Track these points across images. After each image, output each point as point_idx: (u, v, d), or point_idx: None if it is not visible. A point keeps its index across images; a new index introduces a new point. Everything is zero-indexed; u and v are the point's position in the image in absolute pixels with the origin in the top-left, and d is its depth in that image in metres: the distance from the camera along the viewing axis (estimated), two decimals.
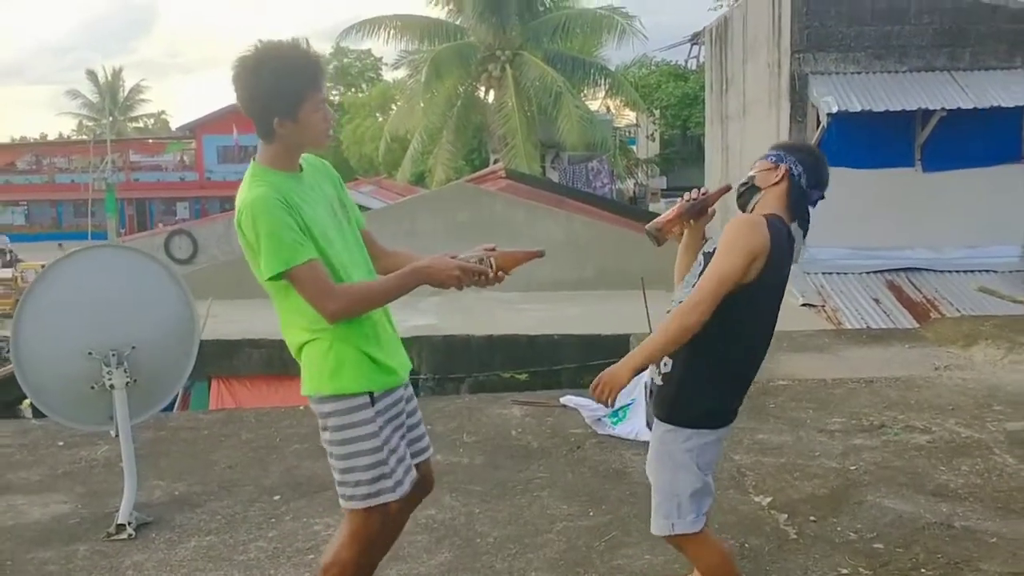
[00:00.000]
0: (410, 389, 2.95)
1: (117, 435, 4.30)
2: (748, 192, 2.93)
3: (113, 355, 4.18)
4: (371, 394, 2.71)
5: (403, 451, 2.81)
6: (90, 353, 4.16)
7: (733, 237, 2.74)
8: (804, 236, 2.94)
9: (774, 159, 2.90)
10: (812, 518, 4.13)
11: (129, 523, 4.16)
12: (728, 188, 3.06)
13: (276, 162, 2.69)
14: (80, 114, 62.12)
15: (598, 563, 3.73)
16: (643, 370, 2.81)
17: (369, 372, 2.71)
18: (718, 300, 2.71)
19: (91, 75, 61.25)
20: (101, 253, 4.79)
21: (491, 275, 2.76)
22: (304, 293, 2.60)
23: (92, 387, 4.19)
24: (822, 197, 2.92)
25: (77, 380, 4.20)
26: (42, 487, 4.86)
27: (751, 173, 2.94)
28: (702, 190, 3.03)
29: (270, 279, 2.59)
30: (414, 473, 2.84)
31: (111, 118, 55.38)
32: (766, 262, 2.73)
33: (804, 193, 2.87)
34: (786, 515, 4.16)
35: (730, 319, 2.75)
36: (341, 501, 2.79)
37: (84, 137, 56.49)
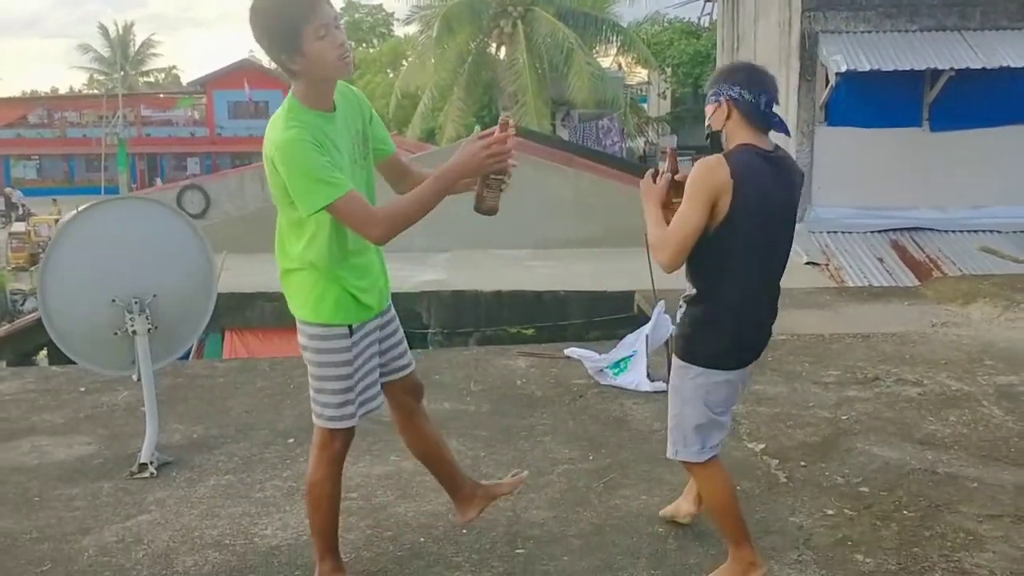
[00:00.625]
0: (390, 312, 3.18)
1: (139, 379, 4.51)
2: (713, 138, 3.01)
3: (136, 302, 4.37)
4: (350, 326, 2.93)
5: (375, 376, 3.07)
6: (113, 300, 4.35)
7: (690, 183, 2.87)
8: (788, 133, 3.05)
9: (714, 98, 2.96)
10: (802, 463, 4.32)
11: (151, 462, 4.38)
12: (673, 150, 3.17)
13: (307, 99, 2.75)
14: (91, 68, 62.01)
15: (596, 503, 3.93)
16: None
17: (349, 307, 2.93)
18: (685, 248, 2.87)
19: (102, 29, 60.99)
20: (124, 205, 4.95)
21: (509, 125, 2.79)
22: (348, 222, 2.74)
23: (115, 333, 4.39)
24: (774, 99, 2.93)
25: (101, 326, 4.39)
26: (66, 429, 5.08)
27: (707, 122, 3.03)
28: (658, 170, 3.11)
29: (312, 214, 2.71)
30: (378, 390, 3.09)
31: (122, 73, 55.27)
32: (734, 195, 2.81)
33: (754, 106, 2.90)
34: (777, 460, 4.35)
35: (718, 256, 2.88)
36: (313, 418, 3.06)
37: (95, 91, 56.51)
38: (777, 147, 3.01)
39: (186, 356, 7.40)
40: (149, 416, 4.49)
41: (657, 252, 2.93)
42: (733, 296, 2.96)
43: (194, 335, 4.85)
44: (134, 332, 4.39)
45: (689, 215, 2.84)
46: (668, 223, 2.96)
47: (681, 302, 3.09)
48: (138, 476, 4.32)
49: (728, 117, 2.94)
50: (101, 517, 3.89)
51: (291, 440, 4.78)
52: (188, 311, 4.67)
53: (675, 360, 3.11)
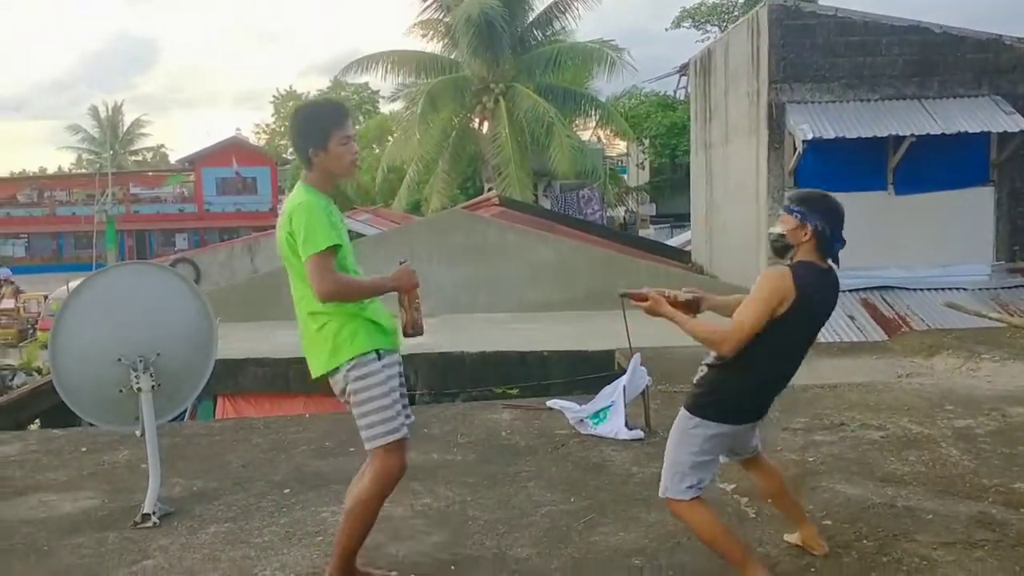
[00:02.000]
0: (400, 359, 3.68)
1: (142, 434, 4.76)
2: (781, 244, 3.50)
3: (140, 361, 4.65)
4: (377, 351, 3.46)
5: (404, 400, 3.59)
6: (120, 359, 4.63)
7: (761, 289, 3.35)
8: (838, 264, 3.53)
9: (799, 217, 3.42)
10: (770, 500, 4.58)
11: (154, 512, 4.60)
12: (692, 298, 3.67)
13: (316, 184, 3.51)
14: (80, 148, 62.71)
15: (577, 540, 4.19)
16: (679, 326, 3.49)
17: (375, 334, 3.48)
18: (748, 340, 3.32)
19: (92, 110, 61.85)
20: (130, 269, 5.26)
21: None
22: (312, 271, 3.34)
23: (120, 391, 4.66)
24: (843, 242, 3.45)
25: (107, 384, 4.67)
26: (70, 486, 5.30)
27: (779, 230, 3.49)
28: (668, 295, 3.63)
29: (317, 252, 3.33)
30: (408, 414, 3.58)
31: (111, 152, 55.97)
32: (794, 302, 3.31)
33: (830, 242, 3.43)
34: (747, 498, 4.62)
35: (764, 341, 3.35)
36: (367, 445, 3.48)
37: (84, 170, 57.07)
38: (830, 266, 3.49)
39: (180, 419, 7.63)
40: (152, 468, 4.73)
41: (722, 345, 3.37)
42: (767, 372, 3.47)
43: (195, 392, 5.11)
44: (139, 389, 4.66)
45: (758, 314, 3.32)
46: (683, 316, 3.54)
47: (703, 367, 3.52)
48: (141, 526, 4.54)
49: (806, 239, 3.43)
50: (108, 563, 4.11)
51: (287, 491, 5.02)
52: (189, 369, 4.94)
53: (683, 412, 3.53)
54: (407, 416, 3.57)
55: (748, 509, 4.49)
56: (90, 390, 4.72)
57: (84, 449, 6.03)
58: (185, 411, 8.14)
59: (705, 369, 3.52)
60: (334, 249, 3.36)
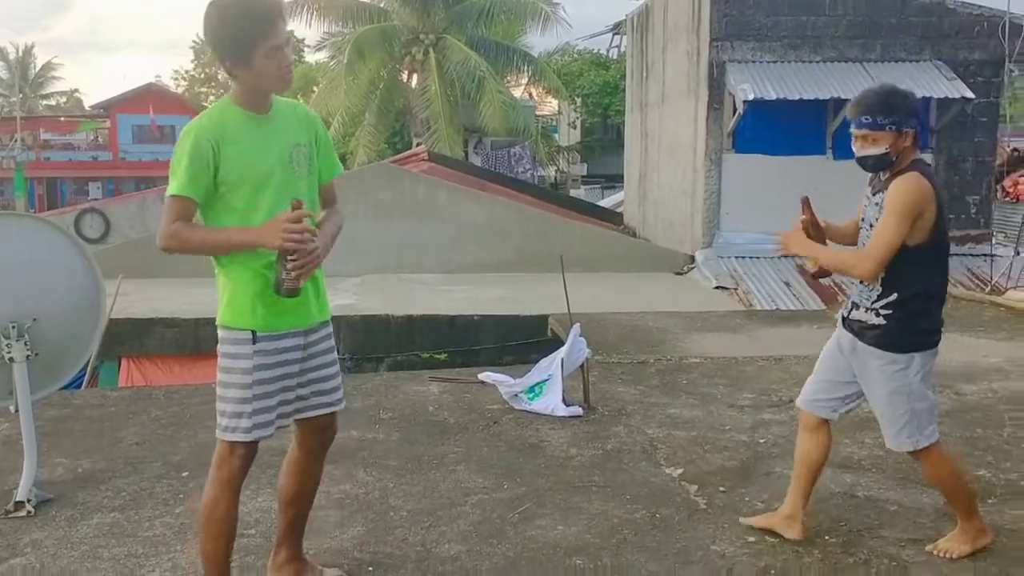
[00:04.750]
0: (319, 335, 3.03)
1: (17, 410, 4.16)
2: (882, 162, 3.24)
3: (13, 327, 4.04)
4: (253, 332, 2.85)
5: (274, 400, 2.92)
6: None
7: (903, 202, 3.16)
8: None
9: (893, 127, 3.19)
10: (721, 488, 4.21)
11: (28, 500, 4.03)
12: (806, 200, 3.50)
13: (239, 99, 2.85)
14: None
15: (511, 534, 3.75)
16: (816, 264, 3.47)
17: (255, 312, 2.85)
18: (890, 258, 3.18)
19: (0, 52, 58.73)
20: (2, 222, 4.59)
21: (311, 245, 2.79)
22: (161, 218, 2.79)
23: None
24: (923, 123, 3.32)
25: None
26: None
27: (879, 150, 3.21)
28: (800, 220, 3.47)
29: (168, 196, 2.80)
30: (272, 417, 2.93)
31: (21, 95, 53.30)
32: (936, 205, 3.20)
33: (924, 133, 3.23)
34: (696, 486, 4.24)
35: (925, 258, 3.22)
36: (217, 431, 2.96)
37: None
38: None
39: (77, 385, 6.97)
40: (27, 451, 4.13)
41: (859, 266, 3.25)
42: (940, 288, 3.38)
43: (79, 362, 4.51)
44: (11, 359, 4.05)
45: (898, 229, 3.16)
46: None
47: (870, 308, 3.32)
48: (13, 515, 3.96)
49: (908, 144, 3.24)
50: None
51: (185, 474, 4.48)
52: (74, 336, 4.35)
53: (890, 359, 3.29)
54: (266, 424, 2.90)
55: (699, 499, 4.11)
56: None
57: None
58: (83, 376, 7.51)
59: (879, 311, 3.29)
60: (183, 199, 2.76)
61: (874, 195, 3.34)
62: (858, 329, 3.38)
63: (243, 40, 2.73)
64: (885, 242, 3.18)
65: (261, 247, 2.78)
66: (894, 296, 3.28)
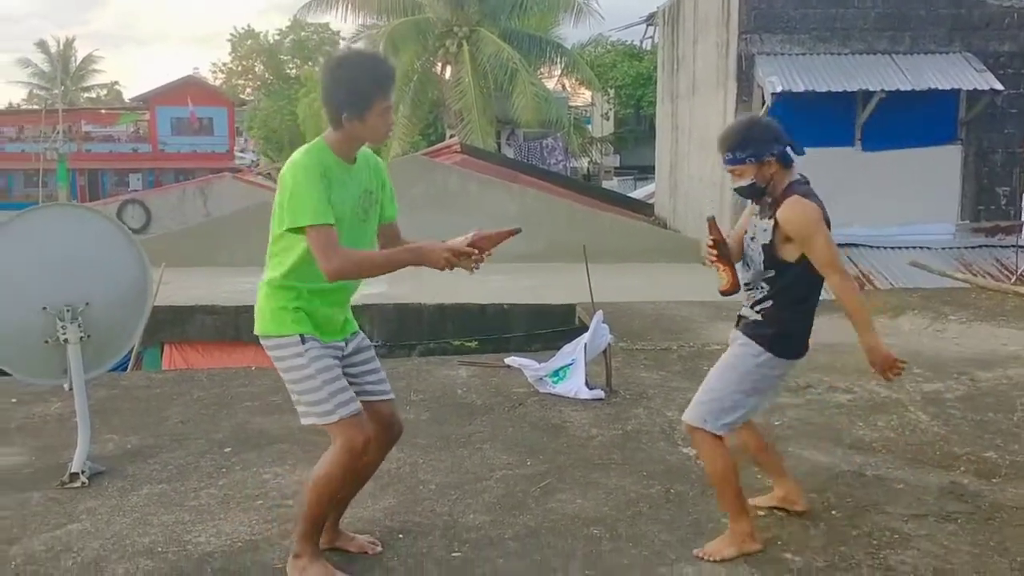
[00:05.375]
0: (361, 341, 3.38)
1: (71, 388, 4.44)
2: (753, 191, 3.36)
3: (68, 310, 4.31)
4: (301, 335, 3.11)
5: (344, 381, 3.19)
6: (45, 308, 4.29)
7: (803, 228, 3.25)
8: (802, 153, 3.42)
9: (753, 160, 3.31)
10: (753, 457, 4.38)
11: (83, 472, 4.30)
12: (712, 220, 3.50)
13: (336, 147, 3.10)
14: (31, 83, 60.68)
15: (533, 506, 3.96)
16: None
17: (301, 322, 3.13)
18: (842, 266, 3.32)
19: (42, 45, 59.70)
20: (59, 211, 4.88)
21: (476, 255, 3.09)
22: (314, 247, 2.99)
23: (46, 341, 4.32)
24: (795, 141, 3.36)
25: (32, 334, 4.32)
26: None
27: (745, 182, 3.35)
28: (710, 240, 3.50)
29: (288, 230, 3.01)
30: (352, 394, 3.20)
31: (63, 88, 54.22)
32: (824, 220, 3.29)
33: (786, 156, 3.35)
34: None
35: (813, 271, 3.31)
36: (302, 421, 3.22)
37: (35, 106, 55.29)
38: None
39: (123, 368, 7.30)
40: (81, 425, 4.42)
41: (851, 292, 3.33)
42: (815, 299, 3.44)
43: (128, 344, 4.80)
44: (66, 340, 4.33)
45: (825, 241, 3.26)
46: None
47: (754, 305, 3.44)
48: (69, 486, 4.24)
49: (774, 170, 3.33)
50: (29, 526, 3.81)
51: (227, 449, 4.74)
52: (122, 321, 4.62)
53: (745, 341, 3.42)
54: (350, 400, 3.16)
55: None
56: (13, 340, 4.37)
57: (14, 400, 5.69)
58: (128, 359, 7.83)
59: (758, 307, 3.41)
60: (327, 228, 2.98)
61: (761, 219, 3.41)
62: (742, 325, 3.52)
63: (364, 96, 3.00)
64: (831, 257, 3.28)
65: (427, 265, 3.12)
66: (770, 303, 3.41)
